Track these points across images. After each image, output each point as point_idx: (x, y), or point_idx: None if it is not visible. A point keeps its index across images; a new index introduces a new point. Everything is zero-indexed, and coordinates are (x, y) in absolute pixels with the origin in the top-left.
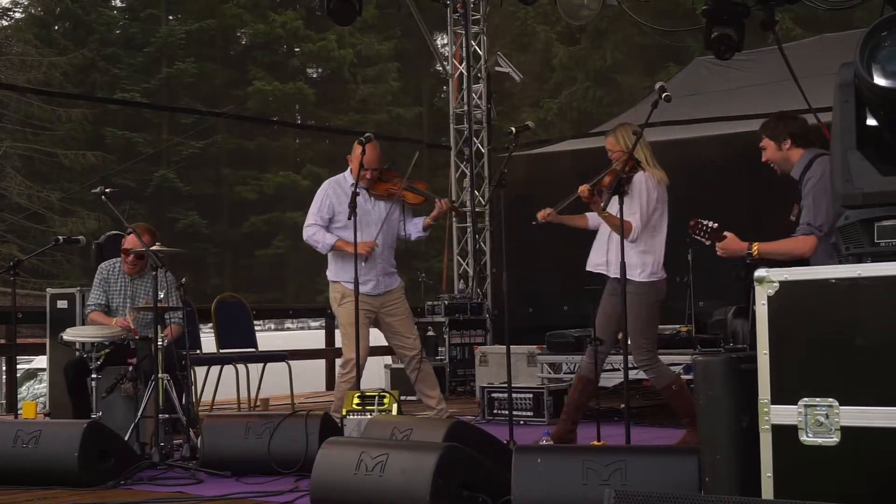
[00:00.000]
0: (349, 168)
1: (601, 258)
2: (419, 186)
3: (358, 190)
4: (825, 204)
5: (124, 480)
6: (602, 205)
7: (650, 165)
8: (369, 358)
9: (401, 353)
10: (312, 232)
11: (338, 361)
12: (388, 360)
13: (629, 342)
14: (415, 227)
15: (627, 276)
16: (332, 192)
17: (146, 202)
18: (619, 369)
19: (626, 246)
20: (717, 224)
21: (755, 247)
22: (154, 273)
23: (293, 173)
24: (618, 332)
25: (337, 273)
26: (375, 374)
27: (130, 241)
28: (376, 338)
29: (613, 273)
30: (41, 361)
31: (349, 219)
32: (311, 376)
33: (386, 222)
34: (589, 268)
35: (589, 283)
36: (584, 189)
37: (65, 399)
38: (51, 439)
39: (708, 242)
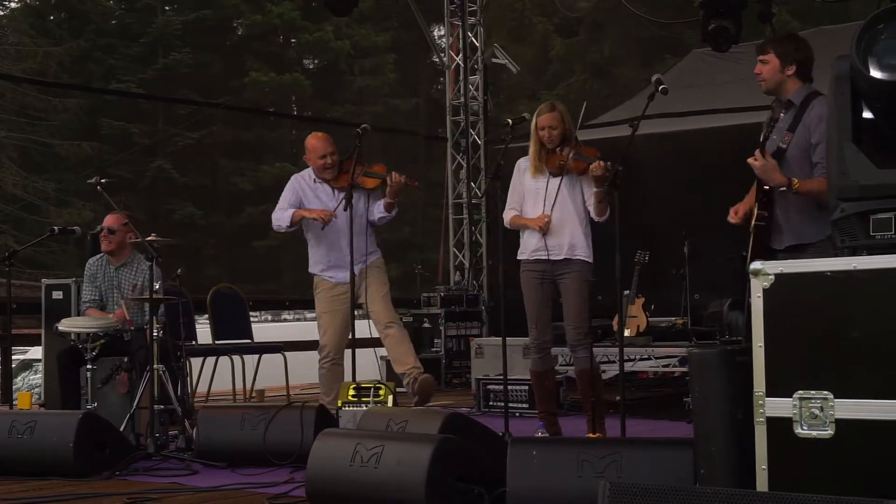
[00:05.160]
0: (310, 166)
1: (539, 242)
2: (376, 170)
3: (320, 184)
4: None
5: (119, 471)
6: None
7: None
8: (365, 349)
9: (376, 326)
10: (274, 216)
11: None
12: (383, 351)
13: (571, 323)
14: (378, 210)
15: (576, 257)
16: (298, 185)
17: (142, 193)
18: (615, 361)
19: (576, 228)
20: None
21: (796, 183)
22: (149, 264)
23: (290, 164)
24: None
25: (311, 265)
26: (371, 365)
27: (105, 220)
28: (371, 329)
29: (565, 256)
30: (36, 352)
31: (345, 210)
32: (306, 368)
33: (353, 213)
34: (528, 255)
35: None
36: (601, 165)
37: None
38: (46, 430)
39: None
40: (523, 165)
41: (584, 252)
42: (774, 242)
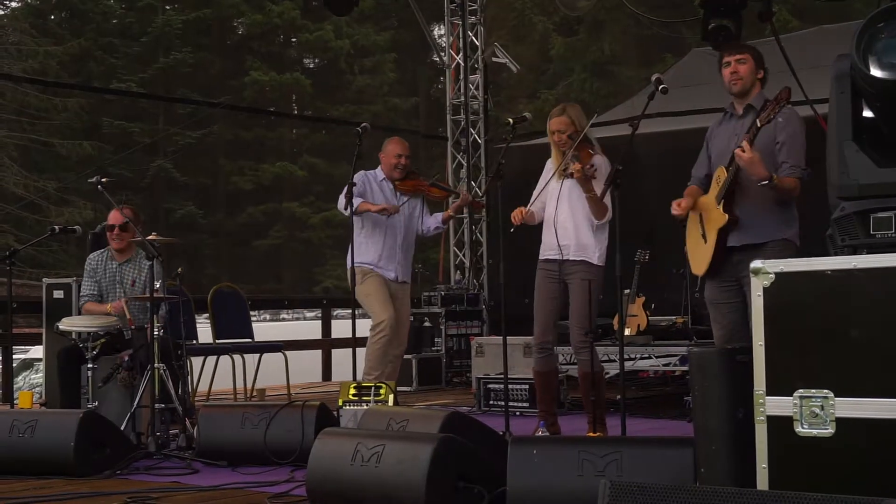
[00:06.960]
0: (379, 167)
1: (551, 241)
2: (443, 184)
3: (386, 182)
4: (803, 151)
5: (120, 470)
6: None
7: (600, 149)
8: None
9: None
10: (344, 199)
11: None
12: None
13: (574, 323)
14: (434, 220)
15: (585, 259)
16: (364, 178)
17: (142, 192)
18: (615, 360)
19: (587, 229)
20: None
21: (776, 179)
22: (150, 263)
23: (290, 164)
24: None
25: (360, 256)
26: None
27: (113, 218)
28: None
29: (572, 256)
30: (37, 351)
31: (346, 209)
32: (306, 367)
33: (409, 218)
34: (542, 254)
35: None
36: (578, 168)
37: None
38: (47, 429)
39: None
40: (549, 165)
41: (591, 253)
42: (729, 240)
